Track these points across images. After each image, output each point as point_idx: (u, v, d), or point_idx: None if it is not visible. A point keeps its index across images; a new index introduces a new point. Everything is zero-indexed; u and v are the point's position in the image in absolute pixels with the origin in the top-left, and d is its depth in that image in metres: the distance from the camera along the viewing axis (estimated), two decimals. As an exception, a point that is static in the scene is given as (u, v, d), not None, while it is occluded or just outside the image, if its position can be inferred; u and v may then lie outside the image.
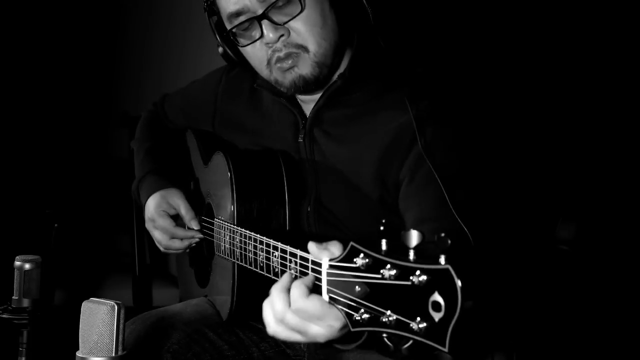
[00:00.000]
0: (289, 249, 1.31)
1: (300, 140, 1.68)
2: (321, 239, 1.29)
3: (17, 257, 1.43)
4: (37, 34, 3.51)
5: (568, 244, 1.75)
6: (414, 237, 0.99)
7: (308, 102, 1.68)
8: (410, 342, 0.97)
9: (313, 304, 1.16)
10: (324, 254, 1.18)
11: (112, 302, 1.23)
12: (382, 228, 1.04)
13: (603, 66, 2.19)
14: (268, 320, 1.22)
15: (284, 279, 1.23)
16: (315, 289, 1.19)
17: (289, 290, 1.20)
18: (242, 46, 1.60)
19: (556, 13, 2.28)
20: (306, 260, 1.24)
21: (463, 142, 1.57)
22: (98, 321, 1.22)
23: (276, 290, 1.21)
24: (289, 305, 1.18)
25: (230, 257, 1.63)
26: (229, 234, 1.63)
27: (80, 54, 3.68)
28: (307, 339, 1.19)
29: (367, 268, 1.05)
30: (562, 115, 2.27)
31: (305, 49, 1.54)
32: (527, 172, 2.29)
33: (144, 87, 3.68)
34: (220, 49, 1.67)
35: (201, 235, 1.81)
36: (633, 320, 2.08)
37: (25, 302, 1.42)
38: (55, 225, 2.61)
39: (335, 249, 1.18)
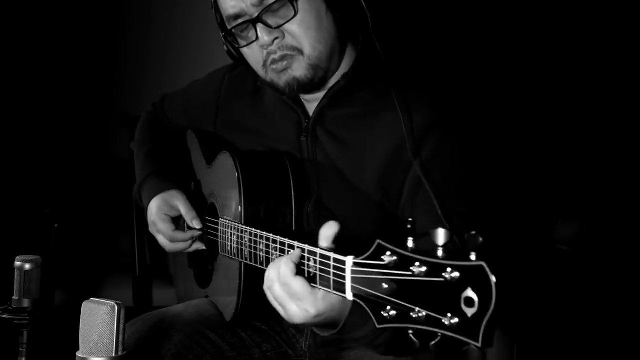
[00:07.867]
0: (307, 247, 1.31)
1: (303, 139, 1.68)
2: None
3: (17, 257, 1.43)
4: (37, 34, 3.50)
5: (568, 244, 1.75)
6: (442, 235, 1.01)
7: (311, 101, 1.68)
8: (438, 338, 0.99)
9: (296, 282, 1.27)
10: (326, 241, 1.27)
11: (112, 302, 1.23)
12: (409, 226, 1.06)
13: (603, 67, 2.19)
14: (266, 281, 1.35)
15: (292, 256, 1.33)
16: (338, 286, 1.20)
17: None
18: (239, 47, 1.62)
19: (554, 12, 2.28)
20: (327, 258, 1.24)
21: (466, 152, 1.58)
22: (98, 321, 1.22)
23: (275, 262, 1.33)
24: (279, 277, 1.30)
25: (237, 257, 1.62)
26: (236, 233, 1.62)
27: (80, 54, 3.68)
28: (285, 314, 1.32)
29: (395, 265, 1.06)
30: (562, 116, 2.27)
31: (299, 51, 1.56)
32: (526, 173, 2.29)
33: (144, 87, 3.67)
34: (225, 47, 1.68)
35: (200, 232, 1.80)
36: (633, 319, 2.08)
37: (25, 302, 1.42)
38: (55, 225, 2.61)
39: (329, 230, 1.26)
